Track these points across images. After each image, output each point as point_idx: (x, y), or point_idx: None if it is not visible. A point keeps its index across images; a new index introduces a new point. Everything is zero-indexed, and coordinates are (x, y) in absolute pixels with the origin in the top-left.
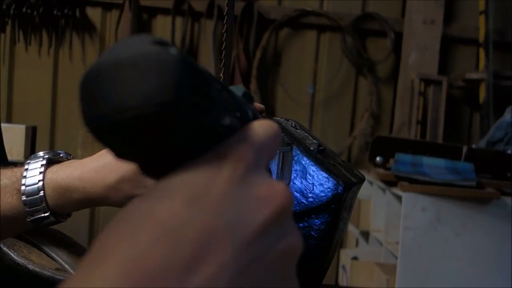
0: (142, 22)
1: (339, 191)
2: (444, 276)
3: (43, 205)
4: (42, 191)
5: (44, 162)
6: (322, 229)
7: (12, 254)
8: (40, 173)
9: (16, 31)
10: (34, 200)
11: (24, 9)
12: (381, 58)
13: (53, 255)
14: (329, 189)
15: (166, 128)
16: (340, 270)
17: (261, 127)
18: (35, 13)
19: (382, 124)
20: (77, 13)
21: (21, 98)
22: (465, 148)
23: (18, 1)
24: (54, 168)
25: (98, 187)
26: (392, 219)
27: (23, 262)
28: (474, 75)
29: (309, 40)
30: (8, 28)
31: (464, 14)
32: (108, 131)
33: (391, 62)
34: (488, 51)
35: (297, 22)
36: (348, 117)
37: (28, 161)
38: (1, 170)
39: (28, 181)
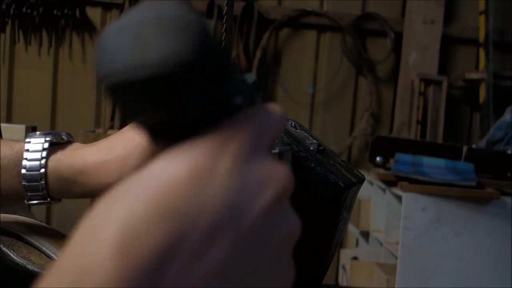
0: None
1: (339, 191)
2: (444, 276)
3: (43, 192)
4: (44, 180)
5: (46, 145)
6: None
7: (11, 254)
8: (43, 157)
9: (16, 31)
10: (36, 187)
11: (24, 9)
12: (381, 58)
13: (52, 255)
14: (328, 189)
15: (183, 90)
16: (340, 270)
17: (268, 109)
18: (35, 13)
19: (382, 124)
20: (77, 13)
21: (21, 98)
22: (465, 148)
23: (18, 1)
24: (58, 155)
25: (100, 183)
26: (392, 219)
27: (22, 262)
28: (474, 75)
29: (309, 40)
30: (8, 28)
31: (464, 14)
32: (125, 87)
33: (391, 62)
34: (488, 51)
35: (297, 22)
36: (348, 117)
37: (29, 140)
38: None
39: (29, 165)
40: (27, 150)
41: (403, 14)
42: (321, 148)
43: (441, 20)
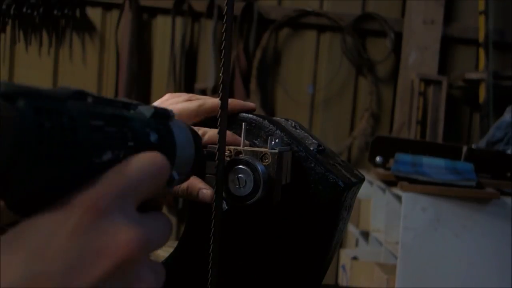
0: (142, 22)
1: (339, 191)
2: (444, 276)
3: None
4: None
5: None
6: (322, 229)
7: None
8: None
9: (16, 31)
10: None
11: (24, 9)
12: (381, 58)
13: None
14: (328, 189)
15: (6, 185)
16: (340, 270)
17: (137, 163)
18: (35, 13)
19: (382, 124)
20: (77, 13)
21: None
22: (465, 148)
23: (18, 1)
24: None
25: None
26: (392, 219)
27: None
28: (474, 75)
29: (309, 40)
30: (8, 28)
31: (464, 14)
32: None
33: (391, 62)
34: (488, 51)
35: (297, 22)
36: (348, 117)
37: None
38: None
39: None
40: None
41: (403, 14)
42: (321, 148)
43: (441, 20)
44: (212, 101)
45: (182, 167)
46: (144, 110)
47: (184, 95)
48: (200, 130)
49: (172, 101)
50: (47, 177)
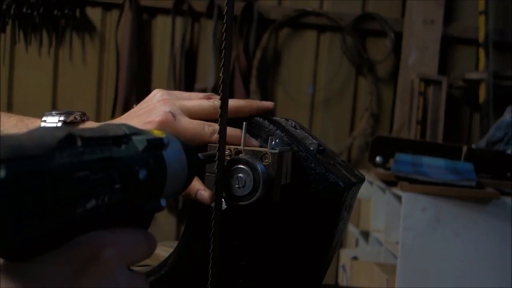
0: (142, 22)
1: (339, 191)
2: (444, 276)
3: None
4: None
5: (59, 124)
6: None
7: None
8: None
9: (16, 31)
10: None
11: (24, 9)
12: (381, 58)
13: None
14: (328, 189)
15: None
16: (340, 270)
17: (132, 235)
18: (35, 13)
19: (382, 124)
20: (77, 13)
21: (21, 98)
22: (465, 148)
23: (18, 1)
24: None
25: None
26: (392, 219)
27: None
28: (474, 75)
29: (309, 40)
30: (8, 28)
31: (464, 14)
32: None
33: (391, 62)
34: (488, 51)
35: (297, 22)
36: (348, 117)
37: (44, 119)
38: (17, 125)
39: None
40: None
41: (403, 14)
42: (321, 148)
43: (441, 20)
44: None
45: (171, 191)
46: (138, 143)
47: (206, 95)
48: (211, 127)
49: (192, 95)
50: (29, 232)
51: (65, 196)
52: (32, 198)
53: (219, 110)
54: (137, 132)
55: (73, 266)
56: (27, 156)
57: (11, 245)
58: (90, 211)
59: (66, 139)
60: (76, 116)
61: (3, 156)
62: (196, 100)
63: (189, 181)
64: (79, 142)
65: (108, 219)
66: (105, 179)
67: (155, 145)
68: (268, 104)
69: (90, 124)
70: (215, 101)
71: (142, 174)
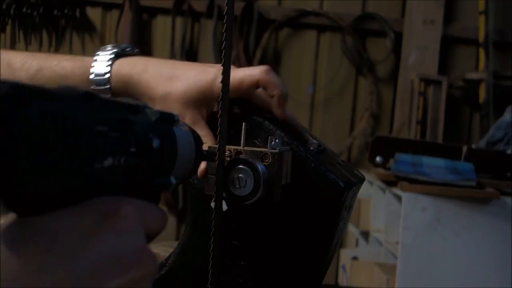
0: (142, 22)
1: (339, 191)
2: (444, 276)
3: (109, 95)
4: (109, 84)
5: (112, 56)
6: (322, 229)
7: None
8: (108, 66)
9: (17, 31)
10: (102, 91)
11: (24, 9)
12: (381, 58)
13: None
14: (328, 189)
15: (7, 185)
16: (340, 270)
17: (152, 210)
18: (35, 13)
19: (382, 124)
20: (77, 13)
21: None
22: (465, 148)
23: (18, 1)
24: (121, 60)
25: (150, 94)
26: (392, 219)
27: None
28: (474, 75)
29: (309, 40)
30: (9, 28)
31: (464, 14)
32: None
33: (391, 62)
34: (488, 51)
35: (297, 22)
36: (348, 117)
37: (98, 53)
38: (72, 59)
39: (96, 70)
40: (95, 60)
41: (403, 14)
42: (321, 148)
43: (441, 20)
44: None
45: (180, 171)
46: (151, 114)
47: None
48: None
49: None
50: (47, 180)
51: (85, 147)
52: (54, 141)
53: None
54: (148, 106)
55: (91, 220)
56: (53, 97)
57: (29, 190)
58: (107, 170)
59: (87, 94)
60: (128, 49)
61: (29, 92)
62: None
63: (195, 166)
64: (97, 102)
65: (121, 185)
66: (123, 139)
67: (167, 119)
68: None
69: (138, 62)
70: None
71: (155, 143)
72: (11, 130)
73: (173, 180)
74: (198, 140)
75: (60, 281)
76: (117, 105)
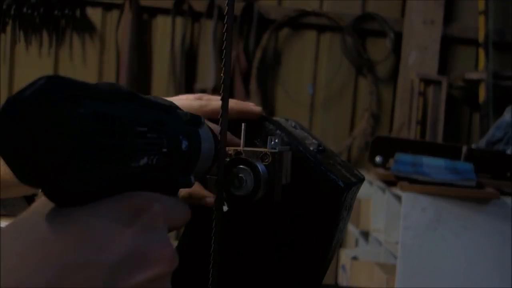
0: (142, 22)
1: (339, 191)
2: (444, 276)
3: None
4: None
5: None
6: (322, 229)
7: None
8: None
9: (17, 31)
10: None
11: (24, 9)
12: (381, 58)
13: None
14: (328, 189)
15: (53, 179)
16: (340, 270)
17: (177, 202)
18: (35, 13)
19: (382, 124)
20: (77, 13)
21: None
22: (464, 148)
23: (19, 2)
24: None
25: None
26: (392, 219)
27: None
28: (474, 75)
29: (309, 40)
30: (9, 28)
31: (464, 14)
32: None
33: (391, 62)
34: (488, 51)
35: (297, 22)
36: (348, 117)
37: None
38: None
39: None
40: None
41: (403, 14)
42: (321, 148)
43: (441, 20)
44: (216, 104)
45: (199, 170)
46: (182, 115)
47: (197, 95)
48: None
49: (182, 97)
50: (91, 177)
51: (127, 146)
52: (103, 141)
53: (204, 111)
54: (179, 107)
55: (124, 215)
56: (103, 98)
57: (73, 186)
58: (141, 168)
59: (130, 94)
60: None
61: (84, 92)
62: (185, 99)
63: (212, 165)
64: (138, 100)
65: (151, 183)
66: (158, 140)
67: (195, 121)
68: (257, 109)
69: None
70: (206, 102)
71: (184, 144)
72: (65, 129)
73: (192, 179)
74: (216, 138)
75: (90, 273)
76: (154, 106)
